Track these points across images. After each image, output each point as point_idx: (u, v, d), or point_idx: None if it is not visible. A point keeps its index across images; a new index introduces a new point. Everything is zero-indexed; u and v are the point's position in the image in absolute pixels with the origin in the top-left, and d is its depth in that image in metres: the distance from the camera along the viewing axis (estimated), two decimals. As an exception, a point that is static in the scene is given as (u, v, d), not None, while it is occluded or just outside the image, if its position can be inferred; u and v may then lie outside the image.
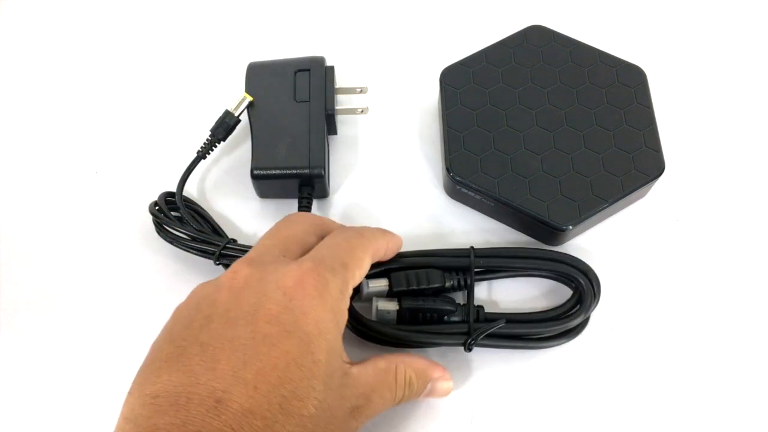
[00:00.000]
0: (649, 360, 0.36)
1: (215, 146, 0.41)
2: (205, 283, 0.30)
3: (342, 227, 0.36)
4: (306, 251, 0.32)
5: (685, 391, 0.36)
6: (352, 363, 0.30)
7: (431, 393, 0.34)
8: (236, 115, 0.41)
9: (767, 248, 0.39)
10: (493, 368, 0.36)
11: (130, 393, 0.27)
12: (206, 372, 0.26)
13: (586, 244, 0.40)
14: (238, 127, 0.41)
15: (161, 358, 0.27)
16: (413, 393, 0.32)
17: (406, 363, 0.32)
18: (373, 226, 0.36)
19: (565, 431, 0.35)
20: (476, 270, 0.37)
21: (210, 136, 0.41)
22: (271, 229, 0.34)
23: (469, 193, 0.39)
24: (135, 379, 0.27)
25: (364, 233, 0.33)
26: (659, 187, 0.40)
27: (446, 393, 0.34)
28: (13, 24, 0.49)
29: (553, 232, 0.38)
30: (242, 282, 0.29)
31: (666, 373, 0.36)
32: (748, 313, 0.38)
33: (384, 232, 0.35)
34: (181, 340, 0.27)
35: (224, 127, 0.41)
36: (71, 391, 0.36)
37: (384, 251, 0.35)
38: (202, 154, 0.41)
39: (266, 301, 0.28)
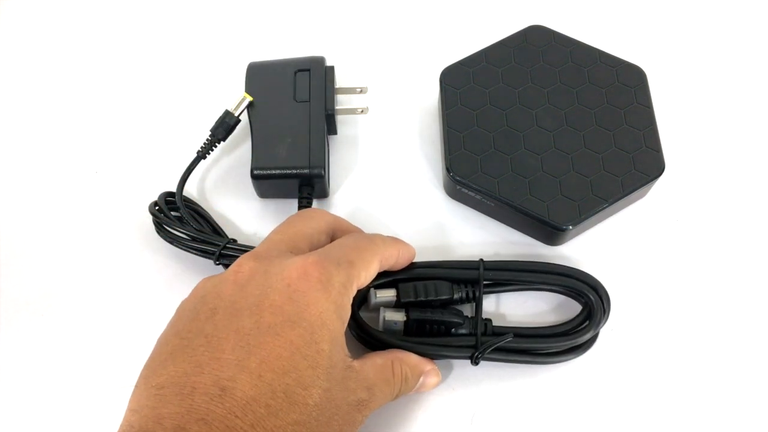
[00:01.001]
0: (650, 362, 0.36)
1: (215, 146, 0.41)
2: (210, 277, 0.31)
3: (355, 230, 0.36)
4: (315, 249, 0.32)
5: (683, 390, 0.36)
6: (353, 358, 0.31)
7: (421, 387, 0.34)
8: (236, 115, 0.41)
9: (767, 248, 0.40)
10: (499, 383, 0.36)
11: (136, 386, 0.27)
12: (211, 362, 0.26)
13: (586, 244, 0.40)
14: (238, 127, 0.41)
15: (167, 351, 0.27)
16: (408, 388, 0.33)
17: (400, 359, 0.33)
18: (382, 231, 0.36)
19: None
20: (485, 282, 0.36)
21: (210, 136, 0.41)
22: (281, 224, 0.34)
23: (469, 193, 0.39)
24: (141, 372, 0.28)
25: (374, 239, 0.34)
26: (659, 187, 0.40)
27: (434, 386, 0.35)
28: (13, 24, 0.49)
29: (553, 232, 0.38)
30: (247, 275, 0.29)
31: (666, 374, 0.36)
32: (748, 313, 0.38)
33: (396, 241, 0.35)
34: (187, 332, 0.28)
35: (224, 127, 0.41)
36: (71, 390, 0.36)
37: (395, 259, 0.35)
38: (202, 154, 0.41)
39: (270, 292, 0.28)
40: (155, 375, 0.27)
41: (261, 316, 0.28)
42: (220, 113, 0.41)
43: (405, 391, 0.33)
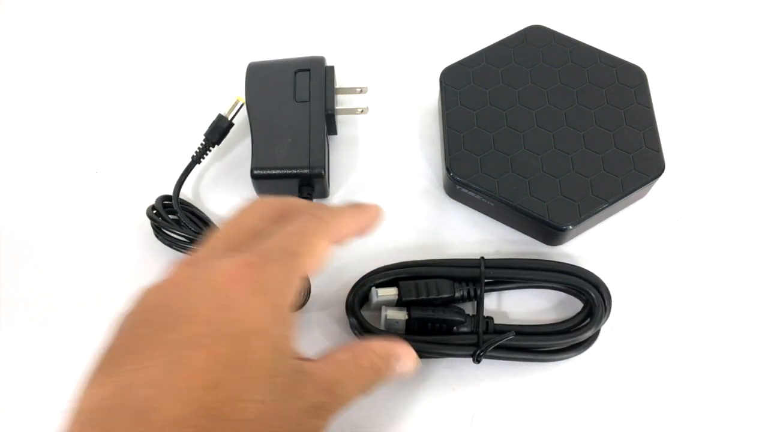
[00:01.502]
0: (650, 360, 0.36)
1: (209, 150, 0.41)
2: (147, 287, 0.28)
3: (309, 208, 0.31)
4: (260, 241, 0.29)
5: (683, 388, 0.36)
6: (307, 359, 0.28)
7: (398, 373, 0.31)
8: (229, 118, 0.41)
9: (767, 248, 0.40)
10: (500, 382, 0.36)
11: (68, 410, 0.25)
12: (134, 381, 0.24)
13: (586, 244, 0.39)
14: (236, 128, 0.41)
15: (94, 370, 0.25)
16: (381, 377, 0.30)
17: (366, 348, 0.30)
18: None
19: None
20: (486, 280, 0.36)
21: (204, 140, 0.41)
22: (222, 221, 0.32)
23: (470, 193, 0.39)
24: (74, 395, 0.26)
25: (321, 215, 0.30)
26: (659, 187, 0.40)
27: (412, 370, 0.31)
28: (13, 24, 0.49)
29: (553, 232, 0.38)
30: (179, 282, 0.27)
31: (666, 372, 0.36)
32: (748, 312, 0.38)
33: (352, 209, 0.31)
34: (115, 350, 0.26)
35: (218, 131, 0.41)
36: (71, 391, 0.36)
37: (354, 229, 0.31)
38: (196, 159, 0.41)
39: (201, 300, 0.26)
40: (81, 399, 0.25)
41: (189, 328, 0.25)
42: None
43: (377, 380, 0.29)
